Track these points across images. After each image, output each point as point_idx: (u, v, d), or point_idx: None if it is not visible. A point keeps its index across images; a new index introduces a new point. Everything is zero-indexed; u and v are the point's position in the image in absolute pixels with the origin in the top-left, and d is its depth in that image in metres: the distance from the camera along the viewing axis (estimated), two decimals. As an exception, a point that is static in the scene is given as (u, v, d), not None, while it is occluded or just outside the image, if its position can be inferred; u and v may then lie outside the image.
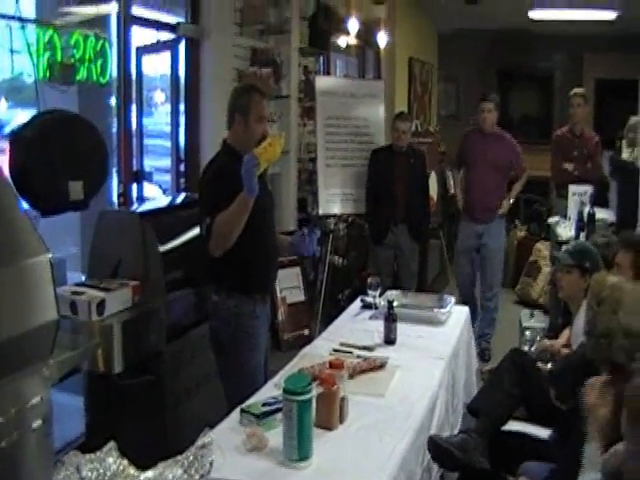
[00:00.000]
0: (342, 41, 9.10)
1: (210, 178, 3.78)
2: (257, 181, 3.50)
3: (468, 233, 6.90)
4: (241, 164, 3.50)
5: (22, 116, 4.18)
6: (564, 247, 4.99)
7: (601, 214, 6.40)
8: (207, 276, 3.88)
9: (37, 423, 2.91)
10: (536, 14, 10.15)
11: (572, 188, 6.88)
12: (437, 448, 3.27)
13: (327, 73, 8.96)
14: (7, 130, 4.41)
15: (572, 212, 6.65)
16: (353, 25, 8.50)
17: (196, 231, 4.63)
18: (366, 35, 9.62)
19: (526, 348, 4.43)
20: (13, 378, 2.83)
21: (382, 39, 9.45)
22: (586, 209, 6.28)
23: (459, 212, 7.08)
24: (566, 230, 6.53)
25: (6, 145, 3.91)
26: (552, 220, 7.13)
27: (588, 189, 6.81)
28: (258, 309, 3.84)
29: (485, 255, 6.87)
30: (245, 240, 3.62)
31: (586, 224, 6.10)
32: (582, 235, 6.01)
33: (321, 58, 8.80)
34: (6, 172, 3.37)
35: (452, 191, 7.87)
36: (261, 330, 3.89)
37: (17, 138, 3.82)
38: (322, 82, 7.58)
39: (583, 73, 12.36)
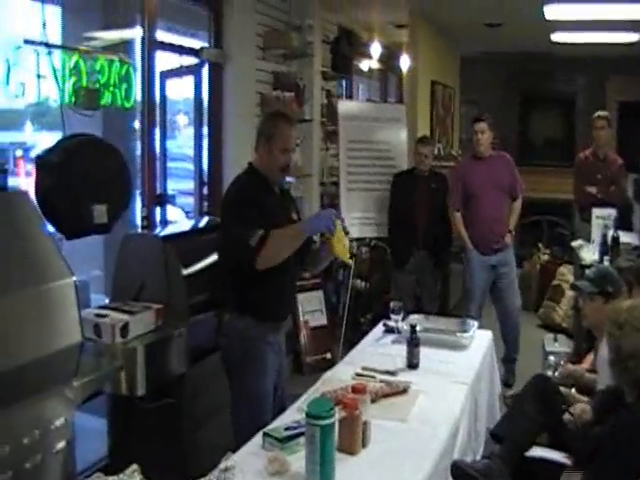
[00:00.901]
0: (364, 65, 9.16)
1: (244, 194, 3.69)
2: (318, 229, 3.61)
3: (480, 268, 6.58)
4: (265, 184, 3.61)
5: (47, 140, 4.22)
6: (586, 272, 4.93)
7: (625, 238, 6.34)
8: (221, 293, 3.83)
9: (61, 445, 2.93)
10: (558, 37, 10.14)
11: (596, 211, 6.83)
12: (461, 473, 3.25)
13: (349, 97, 9.01)
14: (33, 154, 4.45)
15: (596, 235, 6.60)
16: (375, 49, 8.54)
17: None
18: (388, 59, 9.67)
19: (550, 373, 4.39)
20: (37, 399, 2.86)
21: (404, 63, 9.48)
22: (610, 232, 6.22)
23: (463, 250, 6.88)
24: (590, 254, 6.47)
25: (32, 169, 3.96)
26: (575, 244, 7.05)
27: (612, 212, 6.76)
28: (270, 336, 3.78)
29: (504, 286, 6.64)
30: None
31: (610, 248, 6.05)
32: (606, 259, 5.97)
33: (343, 82, 8.86)
34: (32, 195, 3.39)
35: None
36: (271, 356, 3.79)
37: (43, 162, 3.86)
38: (344, 106, 7.61)
39: (606, 96, 12.31)
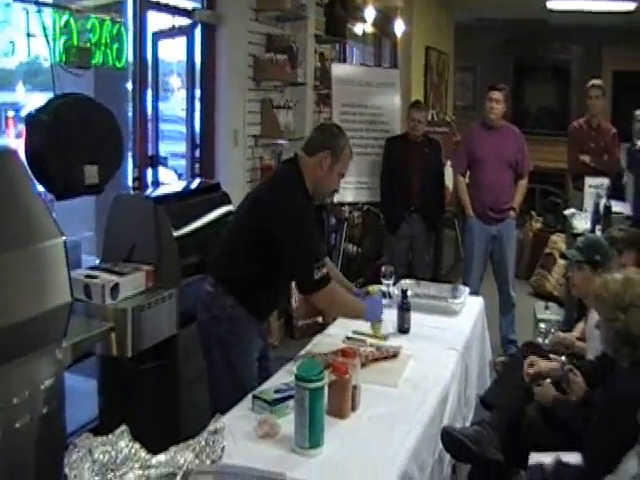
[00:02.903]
0: (359, 29, 9.07)
1: (307, 215, 3.51)
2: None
3: (479, 236, 6.55)
4: (309, 198, 3.56)
5: (39, 100, 4.17)
6: (576, 241, 4.92)
7: (617, 207, 6.33)
8: (221, 273, 3.68)
9: (50, 406, 2.93)
10: (554, 4, 10.06)
11: (588, 180, 6.85)
12: (451, 439, 3.25)
13: (343, 61, 8.94)
14: (23, 113, 4.41)
15: (588, 204, 6.61)
16: (370, 13, 8.46)
17: (211, 217, 4.66)
18: (383, 23, 9.58)
19: (540, 340, 4.40)
20: (27, 360, 2.85)
21: (399, 27, 9.40)
22: (602, 202, 6.22)
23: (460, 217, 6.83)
24: (582, 222, 6.47)
25: (22, 128, 3.93)
26: (568, 212, 7.05)
27: (604, 181, 6.78)
28: (258, 322, 3.70)
29: (501, 258, 6.62)
30: (276, 274, 3.55)
31: (602, 217, 6.04)
32: (598, 228, 5.97)
33: (337, 46, 8.77)
34: (22, 155, 3.35)
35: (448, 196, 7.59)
36: (256, 336, 3.69)
37: (33, 122, 3.83)
38: (338, 70, 7.59)
39: (601, 65, 12.27)
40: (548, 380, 3.66)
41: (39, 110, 3.85)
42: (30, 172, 3.23)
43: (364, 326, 3.92)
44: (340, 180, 3.70)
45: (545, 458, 3.23)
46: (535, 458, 3.28)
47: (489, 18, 12.18)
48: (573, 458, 3.14)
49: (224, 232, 3.85)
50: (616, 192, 6.87)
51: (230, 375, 3.56)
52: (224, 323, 3.56)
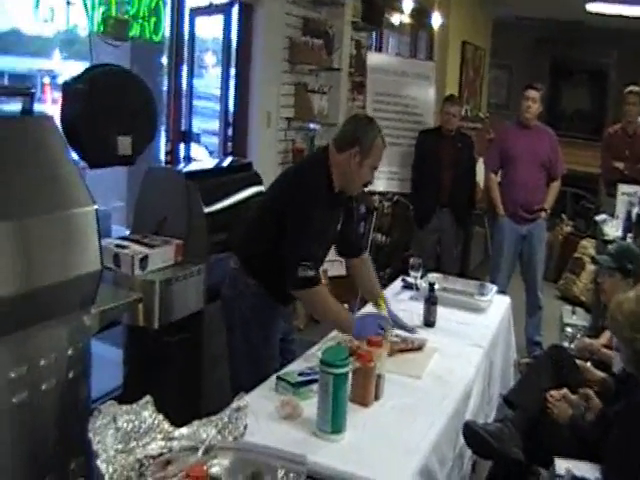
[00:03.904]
0: (395, 19, 9.05)
1: (309, 219, 3.36)
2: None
3: (509, 235, 6.48)
4: (333, 195, 3.45)
5: (75, 69, 4.16)
6: (607, 248, 4.87)
7: (650, 216, 6.29)
8: (236, 244, 3.68)
9: (76, 371, 2.95)
10: (594, 7, 9.96)
11: (622, 187, 6.77)
12: (473, 434, 3.22)
13: (379, 50, 8.91)
14: (60, 81, 4.41)
15: (620, 211, 6.55)
16: (407, 4, 8.43)
17: (241, 195, 4.64)
18: (420, 15, 9.56)
19: (566, 344, 4.35)
20: (55, 324, 2.88)
21: (436, 20, 9.37)
22: (635, 210, 6.17)
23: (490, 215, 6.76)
24: (613, 229, 6.40)
25: (59, 96, 3.92)
26: (599, 218, 6.96)
27: (638, 189, 6.70)
28: (280, 306, 3.64)
29: (530, 258, 6.54)
30: None
31: (634, 225, 5.99)
32: (629, 236, 5.91)
33: (373, 34, 8.75)
34: (58, 122, 3.34)
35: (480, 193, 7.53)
36: (278, 317, 3.65)
37: (69, 90, 3.84)
38: (374, 58, 7.55)
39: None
40: (563, 396, 3.60)
41: (76, 79, 3.85)
42: (65, 139, 3.22)
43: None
44: (373, 173, 3.59)
45: (568, 464, 3.19)
46: (557, 463, 3.24)
47: (527, 17, 12.09)
48: (588, 471, 3.10)
49: (250, 212, 3.83)
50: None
51: (249, 354, 3.55)
52: (247, 300, 3.54)
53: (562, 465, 3.18)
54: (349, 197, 3.72)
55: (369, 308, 3.94)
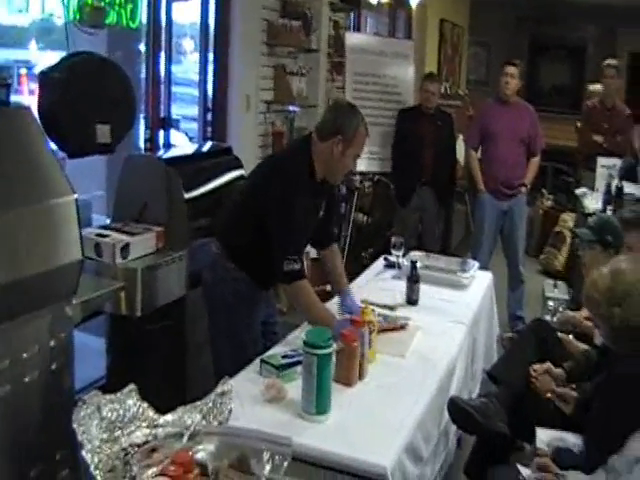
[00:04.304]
0: (373, -2, 9.00)
1: (292, 212, 3.34)
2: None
3: (490, 211, 6.53)
4: (315, 183, 3.44)
5: (51, 58, 4.14)
6: (587, 221, 4.90)
7: (629, 189, 6.33)
8: (218, 230, 3.69)
9: (59, 362, 2.94)
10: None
11: (601, 161, 6.82)
12: (458, 410, 3.25)
13: (357, 30, 8.88)
14: (36, 71, 4.39)
15: (600, 185, 6.59)
16: (385, -18, 8.41)
17: (222, 180, 4.64)
18: (397, -7, 9.51)
19: (548, 318, 4.38)
20: (37, 315, 2.87)
21: (413, -1, 9.33)
22: (614, 182, 6.21)
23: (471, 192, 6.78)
24: (593, 202, 6.45)
25: (36, 86, 3.90)
26: (579, 191, 7.02)
27: (617, 162, 6.74)
28: (262, 291, 3.64)
29: (511, 233, 6.60)
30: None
31: (614, 198, 6.03)
32: (609, 208, 5.95)
33: (351, 14, 8.71)
34: (35, 113, 3.33)
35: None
36: (260, 302, 3.66)
37: (46, 79, 3.81)
38: (352, 38, 7.54)
39: (617, 46, 12.16)
40: (546, 370, 3.64)
41: (52, 68, 3.83)
42: (43, 130, 3.22)
43: (373, 297, 3.93)
44: (356, 161, 3.61)
45: (551, 434, 3.23)
46: (541, 434, 3.28)
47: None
48: (571, 442, 3.14)
49: (232, 197, 3.82)
50: (629, 174, 6.83)
51: (231, 338, 3.56)
52: (229, 285, 3.55)
53: (544, 435, 3.23)
54: (332, 186, 3.72)
55: (335, 300, 3.91)
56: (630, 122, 7.45)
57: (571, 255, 7.66)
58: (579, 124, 8.10)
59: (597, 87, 8.00)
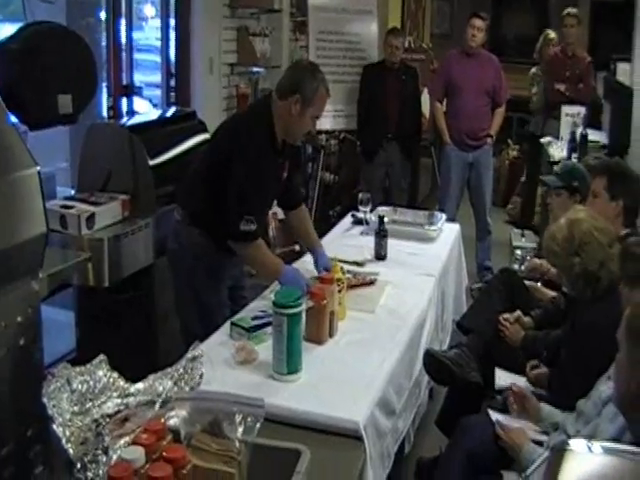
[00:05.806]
0: (335, -47, 8.90)
1: (251, 172, 3.35)
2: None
3: (456, 163, 6.62)
4: (275, 144, 3.43)
5: (9, 31, 4.08)
6: (554, 168, 4.94)
7: (594, 136, 6.39)
8: (180, 195, 3.70)
9: (27, 337, 2.91)
10: None
11: (565, 109, 6.86)
12: (432, 361, 3.31)
13: (319, -13, 8.78)
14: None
15: (564, 133, 6.63)
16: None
17: (187, 145, 4.62)
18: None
19: (516, 267, 4.44)
20: (2, 292, 2.82)
21: (375, -49, 9.21)
22: (579, 130, 6.26)
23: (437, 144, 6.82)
24: (558, 151, 6.49)
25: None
26: (544, 140, 7.06)
27: (581, 110, 6.79)
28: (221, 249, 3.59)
29: (477, 184, 6.68)
30: None
31: (578, 145, 6.08)
32: (574, 156, 5.99)
33: (313, -28, 8.60)
34: (-7, 86, 3.30)
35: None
36: (226, 266, 3.64)
37: (3, 50, 3.73)
38: (314, -4, 7.45)
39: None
40: (517, 319, 3.70)
41: (9, 39, 3.75)
42: (2, 102, 3.18)
43: (341, 254, 3.95)
44: (315, 122, 3.61)
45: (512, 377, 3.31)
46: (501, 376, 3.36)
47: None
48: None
49: (193, 163, 3.80)
50: (593, 121, 6.88)
51: (198, 303, 3.56)
52: (191, 250, 3.55)
53: (504, 377, 3.31)
54: (294, 147, 3.71)
55: (306, 258, 3.94)
56: (591, 69, 7.50)
57: (538, 204, 7.67)
58: (533, 70, 8.13)
59: (552, 34, 8.01)
